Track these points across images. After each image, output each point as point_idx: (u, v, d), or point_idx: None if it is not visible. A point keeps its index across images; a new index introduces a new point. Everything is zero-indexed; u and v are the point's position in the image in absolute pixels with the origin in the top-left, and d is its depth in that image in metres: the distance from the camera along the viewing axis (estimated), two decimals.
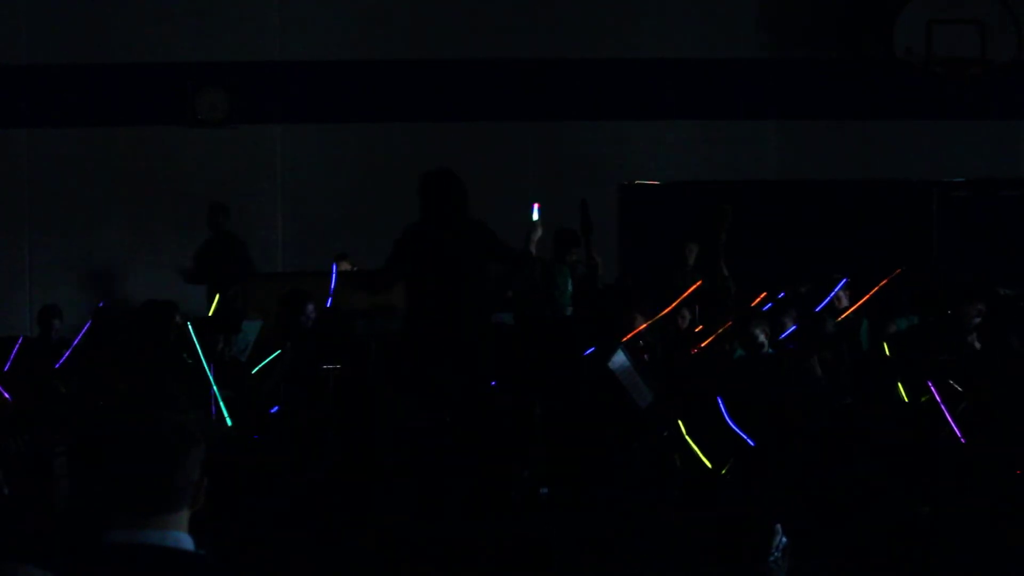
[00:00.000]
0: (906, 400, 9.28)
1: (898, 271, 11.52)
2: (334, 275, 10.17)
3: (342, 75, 15.21)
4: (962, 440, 8.62)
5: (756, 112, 15.38)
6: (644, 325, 10.20)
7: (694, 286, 10.43)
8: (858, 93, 15.31)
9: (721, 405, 8.77)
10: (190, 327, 9.12)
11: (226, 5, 15.15)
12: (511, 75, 15.25)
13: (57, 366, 9.59)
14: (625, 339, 9.74)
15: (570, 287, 12.05)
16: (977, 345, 9.98)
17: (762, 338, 9.31)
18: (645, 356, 9.98)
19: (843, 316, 10.92)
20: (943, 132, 15.45)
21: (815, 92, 15.42)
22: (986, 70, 14.92)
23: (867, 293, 11.31)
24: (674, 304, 10.04)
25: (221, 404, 8.85)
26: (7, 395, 9.04)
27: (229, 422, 8.87)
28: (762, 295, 10.66)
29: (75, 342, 9.70)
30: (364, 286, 9.25)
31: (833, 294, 11.18)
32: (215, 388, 8.92)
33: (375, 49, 15.18)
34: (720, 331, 9.77)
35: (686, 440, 8.88)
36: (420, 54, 15.14)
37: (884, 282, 11.18)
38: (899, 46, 14.88)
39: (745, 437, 8.69)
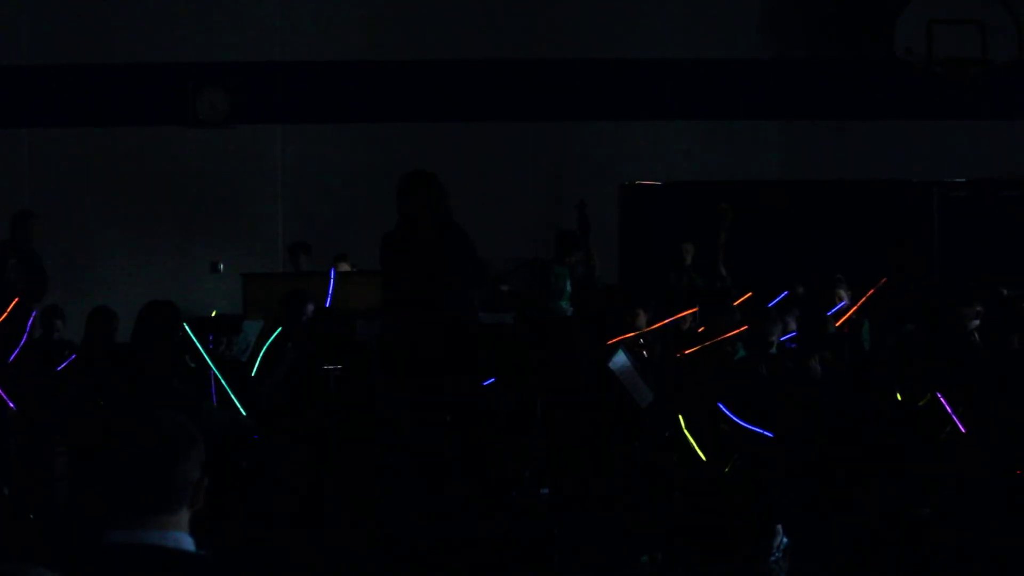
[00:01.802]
0: (900, 399, 9.28)
1: (884, 280, 11.49)
2: (332, 280, 10.21)
3: (342, 75, 15.21)
4: (962, 430, 8.62)
5: (756, 112, 15.38)
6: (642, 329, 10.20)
7: (670, 319, 10.38)
8: (858, 93, 15.31)
9: (724, 409, 8.77)
10: (187, 327, 9.14)
11: (226, 5, 15.15)
12: (511, 75, 15.25)
13: (59, 369, 9.57)
14: (624, 338, 9.75)
15: (569, 287, 12.05)
16: (977, 346, 9.97)
17: (773, 338, 9.32)
18: (644, 353, 9.97)
19: (843, 319, 10.89)
20: (943, 132, 15.44)
21: (815, 92, 15.42)
22: (986, 70, 14.91)
23: (866, 296, 11.28)
24: (649, 329, 10.01)
25: (230, 394, 8.87)
26: (7, 399, 9.04)
27: (244, 412, 8.90)
28: (746, 295, 10.57)
29: (70, 358, 9.70)
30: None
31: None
32: (217, 372, 8.94)
33: (375, 49, 15.18)
34: (728, 335, 9.75)
35: (686, 437, 8.89)
36: (420, 54, 15.14)
37: (871, 292, 11.15)
38: (899, 46, 14.88)
39: (759, 431, 8.69)
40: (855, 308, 10.98)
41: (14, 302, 10.51)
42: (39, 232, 13.38)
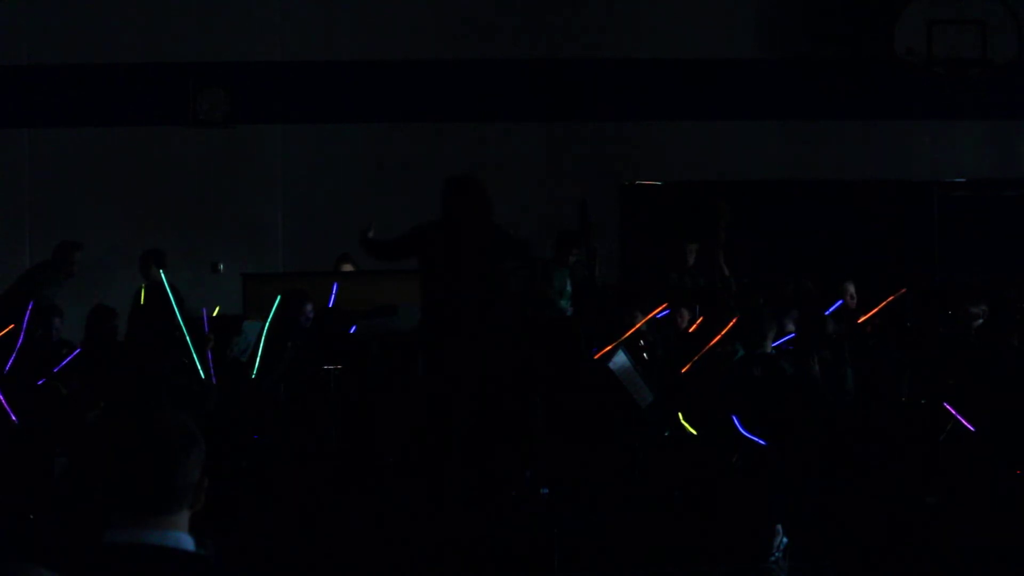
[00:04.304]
0: (905, 400, 9.28)
1: (903, 290, 11.45)
2: (334, 292, 10.22)
3: (342, 75, 15.21)
4: (971, 430, 8.62)
5: (756, 112, 15.37)
6: (640, 323, 10.19)
7: (640, 322, 10.35)
8: (858, 93, 15.30)
9: (736, 421, 8.77)
10: (162, 274, 9.14)
11: (226, 5, 15.15)
12: (513, 75, 15.25)
13: (56, 370, 9.57)
14: (624, 337, 9.75)
15: (569, 287, 12.05)
16: (977, 344, 9.97)
17: (769, 348, 9.30)
18: (645, 355, 9.97)
19: (864, 318, 10.81)
20: (943, 132, 15.44)
21: (815, 92, 15.41)
22: (986, 70, 14.91)
23: (873, 299, 11.24)
24: (625, 336, 10.01)
25: (196, 359, 8.90)
26: (10, 411, 9.03)
27: (202, 374, 8.94)
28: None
29: (73, 354, 9.69)
30: (371, 252, 9.43)
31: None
32: (190, 343, 8.97)
33: (375, 49, 15.18)
34: (723, 332, 9.74)
35: (686, 432, 8.90)
36: (420, 54, 15.14)
37: (890, 299, 11.10)
38: (899, 46, 14.87)
39: (758, 440, 8.70)
40: (873, 312, 10.91)
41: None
42: (79, 265, 13.37)
